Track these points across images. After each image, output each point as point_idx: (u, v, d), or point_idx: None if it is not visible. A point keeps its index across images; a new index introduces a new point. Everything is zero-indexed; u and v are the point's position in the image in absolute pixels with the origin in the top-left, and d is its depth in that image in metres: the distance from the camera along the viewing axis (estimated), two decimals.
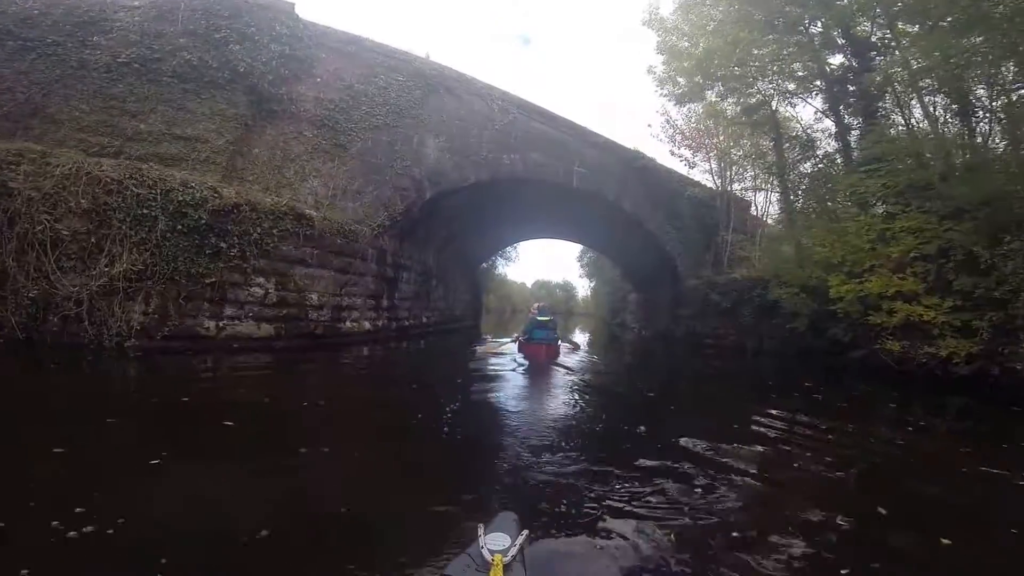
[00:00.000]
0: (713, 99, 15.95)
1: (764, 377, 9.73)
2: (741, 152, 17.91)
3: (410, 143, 12.15)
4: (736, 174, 18.58)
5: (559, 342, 9.11)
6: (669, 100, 16.60)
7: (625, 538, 2.30)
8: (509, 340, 10.20)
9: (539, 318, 8.77)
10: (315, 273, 9.13)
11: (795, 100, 14.99)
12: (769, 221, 20.10)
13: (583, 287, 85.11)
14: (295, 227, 8.67)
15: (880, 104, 11.56)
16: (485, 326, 26.06)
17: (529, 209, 17.37)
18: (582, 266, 45.22)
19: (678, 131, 19.11)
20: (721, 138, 18.07)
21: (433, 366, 9.74)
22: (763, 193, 19.52)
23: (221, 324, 7.78)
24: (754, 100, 14.61)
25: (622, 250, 21.84)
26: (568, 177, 14.44)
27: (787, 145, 15.08)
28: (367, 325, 10.86)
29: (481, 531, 1.84)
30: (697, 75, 14.52)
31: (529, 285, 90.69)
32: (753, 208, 19.32)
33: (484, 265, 34.84)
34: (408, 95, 12.36)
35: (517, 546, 1.76)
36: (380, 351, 10.29)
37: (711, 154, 18.63)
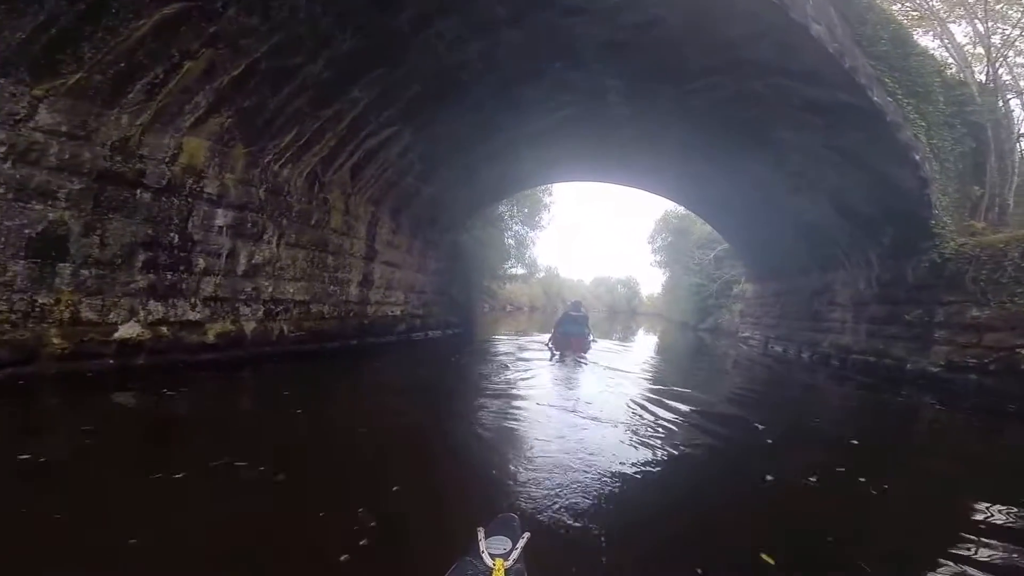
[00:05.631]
0: None
1: None
2: None
3: None
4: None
5: (589, 337, 10.17)
6: None
7: None
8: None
9: (572, 313, 10.02)
10: None
11: None
12: None
13: (652, 282, 73.93)
14: None
15: None
16: (510, 327, 15.47)
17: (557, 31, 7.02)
18: (654, 250, 34.49)
19: None
20: None
21: None
22: None
23: None
24: None
25: (762, 181, 10.50)
26: None
27: None
28: None
29: (481, 535, 1.69)
30: None
31: (588, 282, 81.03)
32: None
33: (509, 234, 22.22)
34: None
35: (519, 549, 1.64)
36: None
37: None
